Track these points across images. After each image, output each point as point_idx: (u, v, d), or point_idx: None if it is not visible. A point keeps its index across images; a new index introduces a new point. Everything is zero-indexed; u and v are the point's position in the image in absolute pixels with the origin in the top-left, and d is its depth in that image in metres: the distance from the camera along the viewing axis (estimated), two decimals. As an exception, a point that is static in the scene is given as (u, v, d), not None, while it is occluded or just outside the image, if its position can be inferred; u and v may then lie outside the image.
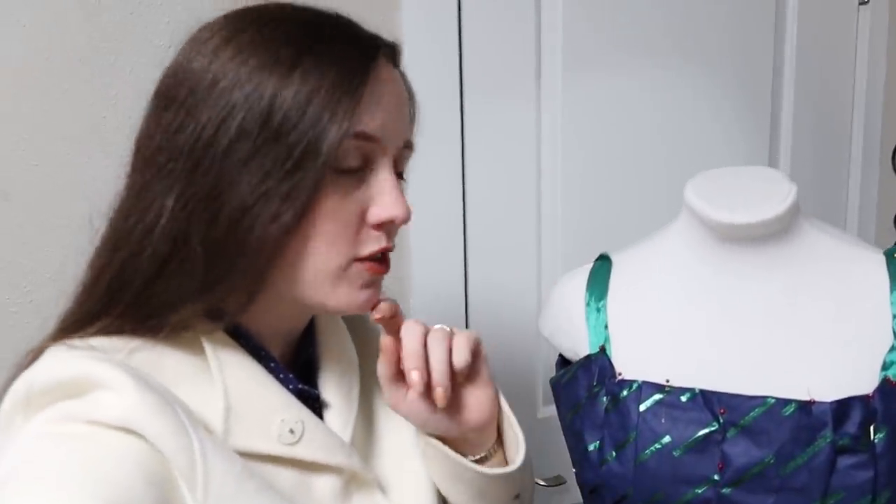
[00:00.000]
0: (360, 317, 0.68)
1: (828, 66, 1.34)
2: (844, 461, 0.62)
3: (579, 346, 0.78)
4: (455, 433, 0.60)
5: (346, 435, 0.58)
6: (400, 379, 0.57)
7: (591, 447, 0.71)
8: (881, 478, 0.61)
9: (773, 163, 1.33)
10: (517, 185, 1.23)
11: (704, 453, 0.65)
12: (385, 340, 0.56)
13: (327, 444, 0.55)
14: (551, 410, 1.31)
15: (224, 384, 0.52)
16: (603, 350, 0.75)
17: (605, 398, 0.72)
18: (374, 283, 0.56)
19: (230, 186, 0.49)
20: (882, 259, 0.71)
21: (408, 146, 0.59)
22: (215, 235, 0.49)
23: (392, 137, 0.55)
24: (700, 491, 0.65)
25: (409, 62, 0.63)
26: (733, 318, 0.71)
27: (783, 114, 1.34)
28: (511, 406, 1.39)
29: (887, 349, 0.66)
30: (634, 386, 0.70)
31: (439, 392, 0.55)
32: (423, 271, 1.22)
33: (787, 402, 0.64)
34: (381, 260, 0.56)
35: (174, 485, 0.46)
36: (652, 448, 0.67)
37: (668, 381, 0.70)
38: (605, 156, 1.24)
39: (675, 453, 0.66)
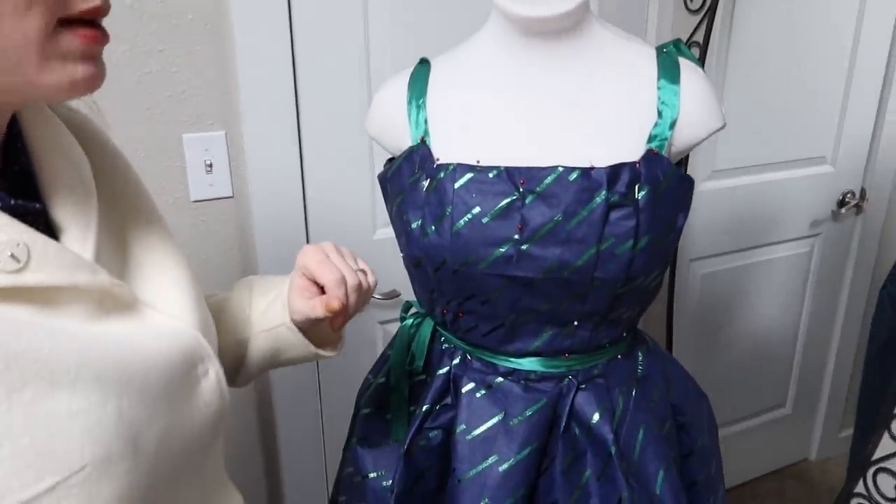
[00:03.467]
0: (73, 110, 0.61)
1: None
2: (615, 214, 0.75)
3: (402, 142, 0.86)
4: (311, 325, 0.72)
5: (88, 252, 0.50)
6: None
7: (413, 225, 0.81)
8: (642, 225, 0.76)
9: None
10: (345, 4, 1.25)
11: (507, 218, 0.77)
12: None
13: (64, 265, 0.46)
14: (385, 233, 1.42)
15: None
16: (423, 141, 0.83)
17: (425, 181, 0.81)
18: (92, 55, 0.46)
19: None
20: (653, 53, 0.83)
21: None
22: None
23: None
24: (503, 249, 0.77)
25: None
26: (533, 104, 0.81)
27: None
28: (349, 229, 1.48)
29: (652, 125, 0.79)
30: (450, 168, 0.79)
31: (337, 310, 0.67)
32: (251, 95, 1.22)
33: (572, 169, 0.76)
34: (96, 25, 0.46)
35: None
36: (465, 218, 0.78)
37: (478, 161, 0.79)
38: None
39: (483, 220, 0.77)
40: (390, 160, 0.91)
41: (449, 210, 0.78)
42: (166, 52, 1.19)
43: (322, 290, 0.70)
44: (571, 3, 0.77)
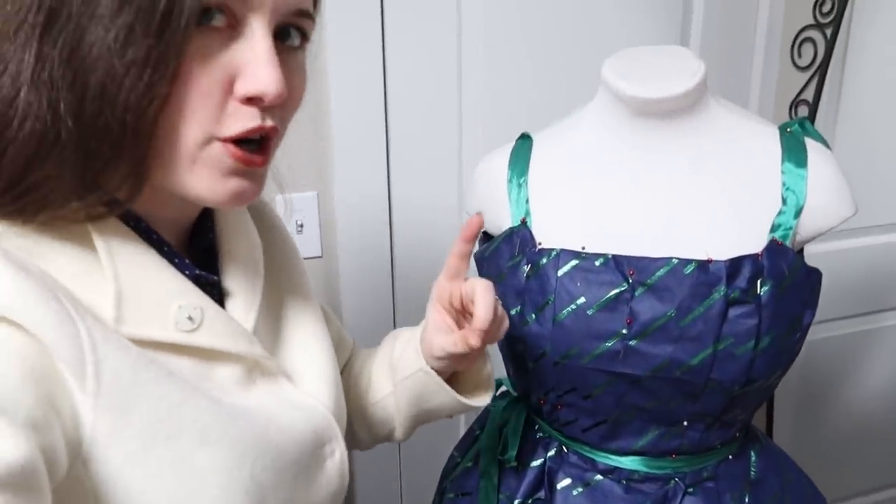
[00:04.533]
0: (259, 199, 0.67)
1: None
2: (734, 311, 0.69)
3: (502, 221, 0.83)
4: (450, 367, 0.69)
5: (249, 323, 0.55)
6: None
7: (512, 311, 0.77)
8: (764, 324, 0.69)
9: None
10: (439, 72, 1.24)
11: (615, 311, 0.72)
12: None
13: (228, 332, 0.52)
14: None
15: (114, 269, 0.47)
16: (524, 222, 0.79)
17: (525, 266, 0.77)
18: (241, 173, 0.49)
19: (93, 47, 0.41)
20: (776, 132, 0.77)
21: (302, 14, 0.49)
22: (86, 109, 0.42)
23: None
24: (610, 344, 0.72)
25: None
26: (643, 188, 0.76)
27: (695, 5, 1.38)
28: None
29: (776, 213, 0.73)
30: (553, 254, 0.75)
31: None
32: (344, 157, 1.22)
33: (688, 261, 0.71)
34: (256, 149, 0.48)
35: (59, 378, 0.41)
36: (568, 308, 0.73)
37: (583, 248, 0.75)
38: (524, 39, 1.26)
39: (588, 312, 0.72)
40: (486, 237, 0.88)
41: (551, 299, 0.74)
42: (264, 114, 1.21)
43: (457, 325, 0.68)
44: (690, 83, 0.73)
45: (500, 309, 0.67)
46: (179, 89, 0.44)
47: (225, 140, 0.47)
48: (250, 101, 0.46)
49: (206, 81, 0.45)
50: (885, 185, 1.69)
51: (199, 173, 0.47)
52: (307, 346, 0.62)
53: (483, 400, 0.72)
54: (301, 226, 1.27)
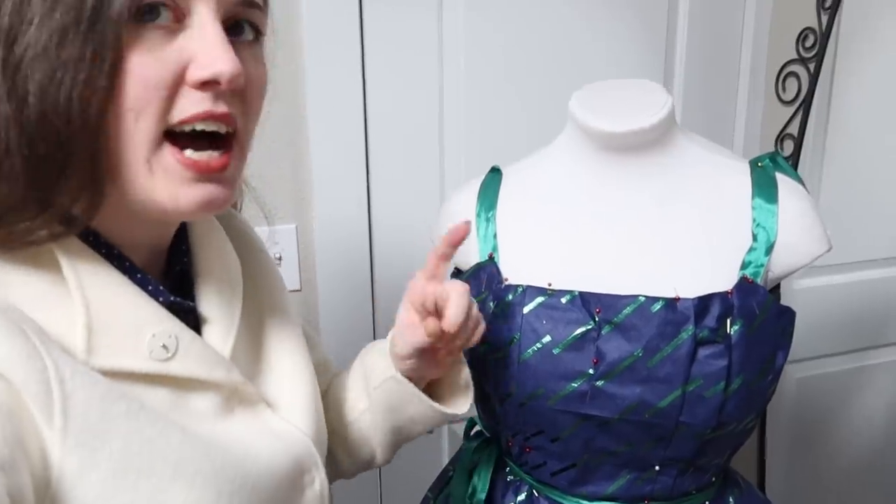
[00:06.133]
0: (236, 216, 0.66)
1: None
2: (704, 351, 0.67)
3: (470, 256, 0.81)
4: (423, 373, 0.68)
5: (227, 349, 0.54)
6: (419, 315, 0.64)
7: (480, 349, 0.74)
8: (735, 365, 0.67)
9: (667, 86, 1.38)
10: (420, 103, 1.23)
11: (581, 350, 0.70)
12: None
13: (204, 359, 0.50)
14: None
15: (84, 298, 0.45)
16: (491, 258, 0.78)
17: (491, 303, 0.75)
18: (206, 178, 0.47)
19: (28, 50, 0.41)
20: (747, 168, 0.76)
21: (250, 5, 0.48)
22: (30, 117, 0.42)
23: None
24: (576, 385, 0.70)
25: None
26: (611, 223, 0.74)
27: (677, 42, 1.38)
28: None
29: (746, 250, 0.71)
30: (519, 290, 0.73)
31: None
32: (323, 189, 1.21)
33: (655, 299, 0.69)
34: (215, 149, 0.47)
35: (27, 415, 0.40)
36: (534, 347, 0.71)
37: (550, 284, 0.73)
38: (506, 72, 1.25)
39: (554, 351, 0.70)
40: (457, 272, 0.86)
41: (517, 337, 0.72)
42: (242, 147, 1.20)
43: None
44: (655, 117, 0.71)
45: (476, 312, 0.65)
46: (124, 84, 0.43)
47: (176, 132, 0.45)
48: (205, 85, 0.45)
49: (152, 75, 0.44)
50: (876, 218, 1.67)
51: (158, 181, 0.46)
52: (287, 371, 0.60)
53: (461, 407, 0.69)
54: (280, 258, 1.25)
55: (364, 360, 0.73)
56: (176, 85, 0.45)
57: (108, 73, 0.42)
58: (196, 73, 0.45)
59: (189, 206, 0.47)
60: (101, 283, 0.47)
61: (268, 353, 0.60)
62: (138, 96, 0.43)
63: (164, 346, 0.48)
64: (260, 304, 0.62)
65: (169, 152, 0.46)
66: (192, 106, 0.45)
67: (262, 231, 1.22)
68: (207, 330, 0.55)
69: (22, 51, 0.41)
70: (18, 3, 0.41)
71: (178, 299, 0.53)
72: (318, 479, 0.59)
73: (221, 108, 0.46)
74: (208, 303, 0.56)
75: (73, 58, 0.41)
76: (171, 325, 0.49)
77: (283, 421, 0.57)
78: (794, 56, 1.40)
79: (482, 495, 0.81)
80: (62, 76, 0.41)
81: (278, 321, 0.62)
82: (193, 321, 0.54)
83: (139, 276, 0.51)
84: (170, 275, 0.56)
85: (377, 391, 0.69)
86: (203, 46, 0.45)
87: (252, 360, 0.59)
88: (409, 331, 0.65)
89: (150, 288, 0.51)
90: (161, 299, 0.51)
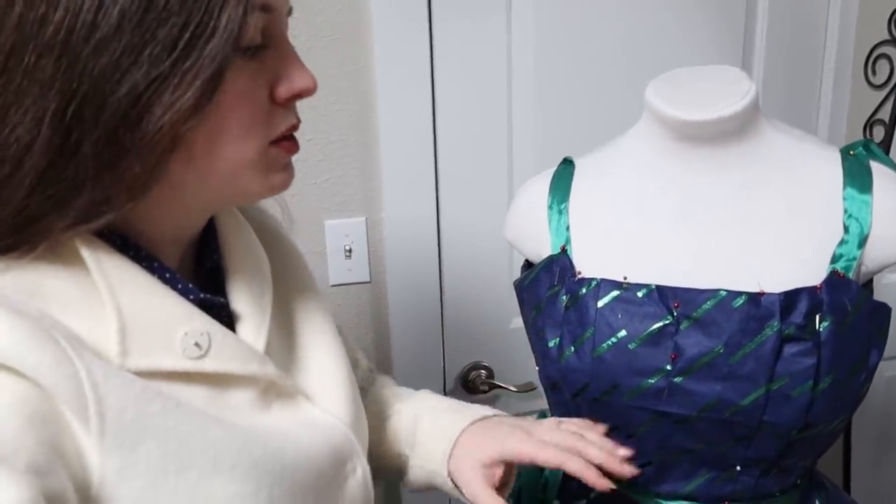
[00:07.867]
0: (262, 212, 0.67)
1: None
2: (790, 349, 0.64)
3: (542, 248, 0.80)
4: None
5: (260, 343, 0.54)
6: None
7: (551, 343, 0.73)
8: (824, 364, 0.64)
9: (745, 69, 1.32)
10: (488, 96, 1.22)
11: (658, 345, 0.68)
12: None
13: (238, 355, 0.51)
14: (521, 323, 1.35)
15: (116, 302, 0.46)
16: (564, 250, 0.76)
17: (564, 296, 0.73)
18: (289, 164, 0.53)
19: (118, 81, 0.42)
20: (838, 156, 0.72)
21: (289, 12, 0.52)
22: (105, 135, 0.42)
23: (284, 3, 0.50)
24: (653, 381, 0.68)
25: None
26: (689, 215, 0.72)
27: (757, 23, 1.32)
28: (485, 317, 1.43)
29: (837, 242, 0.67)
30: (593, 284, 0.72)
31: None
32: (393, 184, 1.22)
33: (737, 294, 0.66)
34: (293, 137, 0.53)
35: (62, 422, 0.41)
36: (608, 342, 0.69)
37: (625, 277, 0.71)
38: (576, 66, 1.23)
39: (630, 346, 0.68)
40: (528, 265, 0.85)
41: (590, 331, 0.70)
42: (313, 141, 1.22)
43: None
44: (738, 105, 0.68)
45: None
46: (224, 108, 0.46)
47: (276, 141, 0.50)
48: (288, 100, 0.50)
49: (254, 96, 0.48)
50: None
51: (261, 176, 0.50)
52: (323, 362, 0.60)
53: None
54: (350, 251, 1.27)
55: (417, 433, 0.71)
56: (270, 101, 0.49)
57: (198, 100, 0.44)
58: (288, 91, 0.49)
59: (281, 186, 0.52)
60: (130, 285, 0.47)
61: (302, 345, 0.60)
62: (244, 116, 0.47)
63: (197, 344, 0.48)
64: (289, 294, 0.62)
65: (275, 150, 0.51)
66: (290, 119, 0.51)
67: (331, 224, 1.25)
68: (240, 324, 0.55)
69: (113, 79, 0.42)
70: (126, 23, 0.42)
71: (209, 296, 0.53)
72: (360, 468, 0.59)
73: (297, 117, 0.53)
74: (240, 298, 0.56)
75: (161, 78, 0.43)
76: (201, 322, 0.49)
77: (322, 411, 0.57)
78: (886, 37, 1.32)
79: (554, 493, 0.80)
80: (145, 95, 0.43)
81: (311, 314, 0.62)
82: (227, 317, 0.55)
83: (168, 275, 0.51)
84: (200, 273, 0.57)
85: (421, 469, 0.69)
86: (288, 65, 0.49)
87: (287, 352, 0.59)
88: (477, 483, 0.64)
89: (179, 286, 0.51)
90: (191, 297, 0.51)
